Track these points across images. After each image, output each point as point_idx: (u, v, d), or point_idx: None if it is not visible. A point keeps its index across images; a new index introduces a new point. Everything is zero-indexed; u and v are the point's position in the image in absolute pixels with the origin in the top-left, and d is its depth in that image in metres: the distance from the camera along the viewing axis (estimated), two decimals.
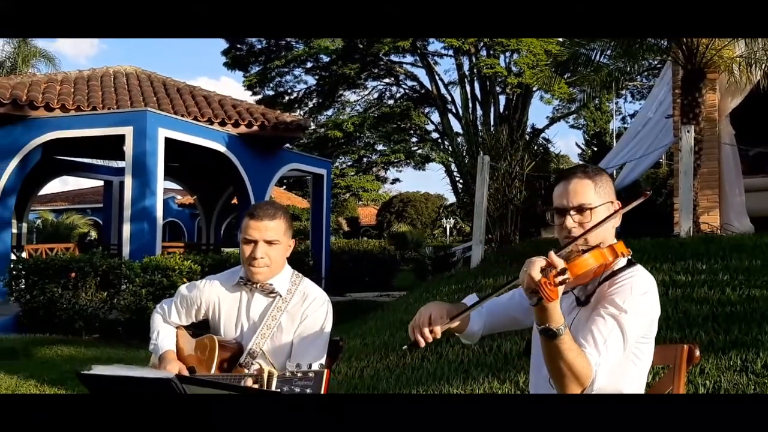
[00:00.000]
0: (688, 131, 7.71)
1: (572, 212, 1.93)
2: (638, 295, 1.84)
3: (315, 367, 1.99)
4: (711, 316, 4.68)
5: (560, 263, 1.67)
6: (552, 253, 1.69)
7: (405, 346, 2.05)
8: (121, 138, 10.32)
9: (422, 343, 1.92)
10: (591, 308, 1.90)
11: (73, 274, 9.33)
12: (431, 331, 1.92)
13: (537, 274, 1.65)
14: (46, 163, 12.21)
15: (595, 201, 1.93)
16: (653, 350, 1.97)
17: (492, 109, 26.77)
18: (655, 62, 12.92)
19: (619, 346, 1.80)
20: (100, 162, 17.08)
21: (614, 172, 11.77)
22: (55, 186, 59.07)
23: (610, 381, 1.84)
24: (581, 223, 1.92)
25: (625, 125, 31.28)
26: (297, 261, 11.60)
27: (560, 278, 1.64)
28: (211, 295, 2.46)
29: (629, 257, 1.92)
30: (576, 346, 1.74)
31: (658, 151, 10.58)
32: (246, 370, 2.26)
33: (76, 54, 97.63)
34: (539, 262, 1.67)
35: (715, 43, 8.16)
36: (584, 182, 1.95)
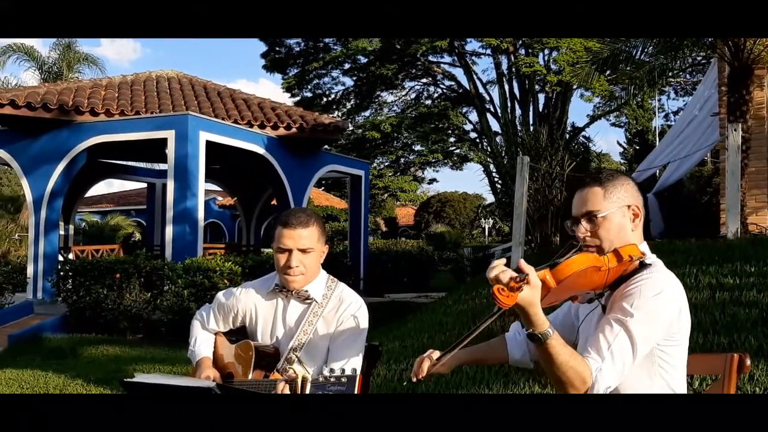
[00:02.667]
0: (736, 129, 7.50)
1: (582, 220, 1.93)
2: (648, 298, 1.80)
3: (348, 371, 1.99)
4: (760, 320, 4.54)
5: (524, 268, 1.65)
6: (521, 260, 1.69)
7: (405, 382, 2.18)
8: (163, 141, 10.50)
9: (415, 380, 2.08)
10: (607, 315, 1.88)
11: (118, 275, 9.53)
12: (421, 370, 2.06)
13: (494, 280, 1.64)
14: (91, 166, 12.50)
15: (605, 207, 1.92)
16: (685, 354, 1.91)
17: (531, 108, 26.48)
18: (699, 58, 12.62)
19: (626, 351, 1.76)
20: (143, 165, 17.42)
21: (657, 171, 11.55)
22: (100, 188, 60.64)
23: (639, 391, 1.82)
24: (593, 231, 1.92)
25: (669, 123, 30.64)
26: (335, 262, 11.66)
27: (519, 284, 1.62)
28: (248, 302, 2.47)
29: (642, 260, 1.88)
30: (568, 350, 1.71)
31: (703, 150, 10.33)
32: (282, 376, 2.27)
33: (119, 59, 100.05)
34: (505, 274, 1.65)
35: (763, 39, 7.93)
36: (593, 190, 1.94)
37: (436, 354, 2.05)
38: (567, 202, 10.30)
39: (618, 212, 1.92)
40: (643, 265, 1.88)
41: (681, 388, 1.90)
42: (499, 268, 1.66)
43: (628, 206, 1.93)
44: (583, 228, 1.92)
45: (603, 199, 1.92)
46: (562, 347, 1.70)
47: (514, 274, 1.64)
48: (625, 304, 1.80)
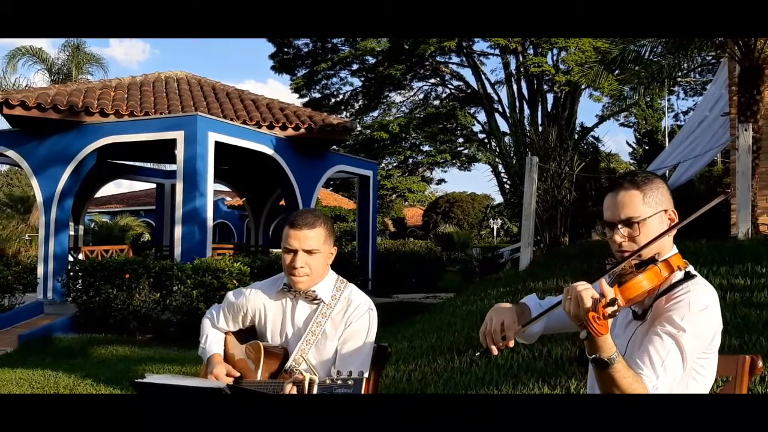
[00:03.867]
0: (746, 129, 7.46)
1: (620, 226, 1.85)
2: (697, 312, 1.76)
3: (355, 374, 1.98)
4: None
5: (610, 293, 1.61)
6: (603, 282, 1.64)
7: (478, 353, 2.02)
8: (172, 142, 10.54)
9: (496, 351, 1.88)
10: (648, 325, 1.83)
11: (128, 276, 9.57)
12: (504, 338, 1.88)
13: (586, 307, 1.59)
14: (100, 166, 12.56)
15: (645, 212, 1.84)
16: (717, 363, 1.89)
17: (539, 108, 26.40)
18: (709, 58, 12.55)
19: (678, 366, 1.73)
20: (152, 165, 17.48)
21: (666, 171, 11.49)
22: (110, 189, 60.94)
23: None
24: (631, 236, 1.84)
25: (678, 123, 30.50)
26: (343, 262, 11.66)
27: (610, 309, 1.58)
28: (257, 302, 2.47)
29: (686, 270, 1.84)
30: (631, 372, 1.67)
31: (714, 150, 10.28)
32: (290, 377, 2.27)
33: (128, 60, 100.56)
34: (588, 292, 1.61)
35: None
36: (631, 193, 1.85)
37: (511, 319, 1.90)
38: (576, 202, 10.27)
39: (656, 217, 1.85)
40: (688, 276, 1.83)
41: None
42: (585, 285, 1.63)
43: (665, 211, 1.87)
44: (622, 234, 1.85)
45: (642, 203, 1.85)
46: (627, 370, 1.66)
47: (597, 296, 1.60)
48: (675, 317, 1.75)
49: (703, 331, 1.77)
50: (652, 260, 1.81)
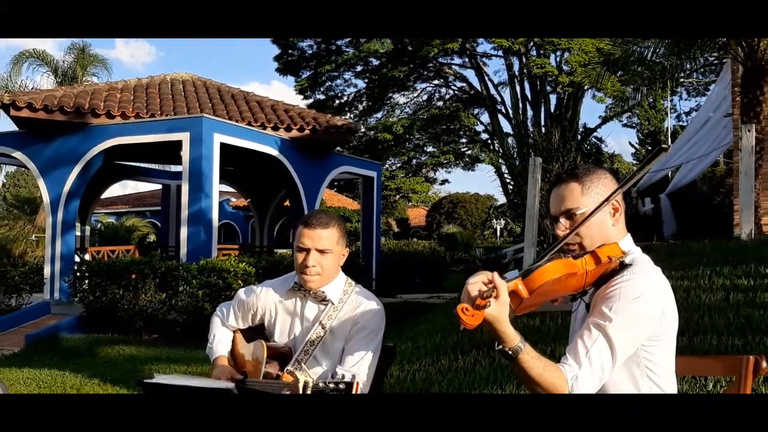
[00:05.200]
0: (749, 130, 7.47)
1: (562, 219, 1.88)
2: (628, 301, 1.74)
3: (347, 378, 2.00)
4: None
5: (497, 282, 1.60)
6: (495, 274, 1.64)
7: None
8: (178, 143, 10.59)
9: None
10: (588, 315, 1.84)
11: (134, 276, 9.61)
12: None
13: (464, 299, 1.58)
14: (107, 168, 12.62)
15: (584, 203, 1.85)
16: (671, 351, 1.86)
17: (543, 109, 26.43)
18: (712, 58, 12.56)
19: (605, 356, 1.72)
20: (158, 166, 17.54)
21: (669, 173, 11.50)
22: (116, 190, 61.06)
23: (625, 391, 1.79)
24: (573, 229, 1.85)
25: (681, 123, 30.47)
26: (347, 262, 11.62)
27: (486, 300, 1.56)
28: (268, 301, 2.50)
29: (622, 260, 1.82)
30: (542, 363, 1.67)
31: (717, 151, 10.29)
32: (293, 376, 2.29)
33: (133, 61, 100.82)
34: (475, 286, 1.61)
35: None
36: (570, 186, 1.88)
37: None
38: None
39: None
40: (623, 266, 1.82)
41: (670, 386, 1.87)
42: (473, 278, 1.64)
43: (608, 199, 1.86)
44: (563, 227, 1.87)
45: (581, 195, 1.87)
46: (535, 360, 1.66)
47: (484, 288, 1.59)
48: (604, 308, 1.75)
49: (636, 320, 1.75)
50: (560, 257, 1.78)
